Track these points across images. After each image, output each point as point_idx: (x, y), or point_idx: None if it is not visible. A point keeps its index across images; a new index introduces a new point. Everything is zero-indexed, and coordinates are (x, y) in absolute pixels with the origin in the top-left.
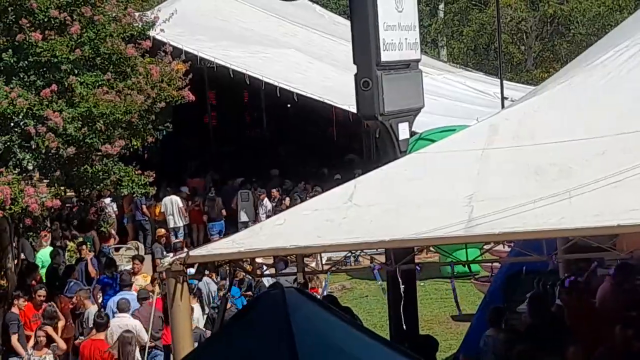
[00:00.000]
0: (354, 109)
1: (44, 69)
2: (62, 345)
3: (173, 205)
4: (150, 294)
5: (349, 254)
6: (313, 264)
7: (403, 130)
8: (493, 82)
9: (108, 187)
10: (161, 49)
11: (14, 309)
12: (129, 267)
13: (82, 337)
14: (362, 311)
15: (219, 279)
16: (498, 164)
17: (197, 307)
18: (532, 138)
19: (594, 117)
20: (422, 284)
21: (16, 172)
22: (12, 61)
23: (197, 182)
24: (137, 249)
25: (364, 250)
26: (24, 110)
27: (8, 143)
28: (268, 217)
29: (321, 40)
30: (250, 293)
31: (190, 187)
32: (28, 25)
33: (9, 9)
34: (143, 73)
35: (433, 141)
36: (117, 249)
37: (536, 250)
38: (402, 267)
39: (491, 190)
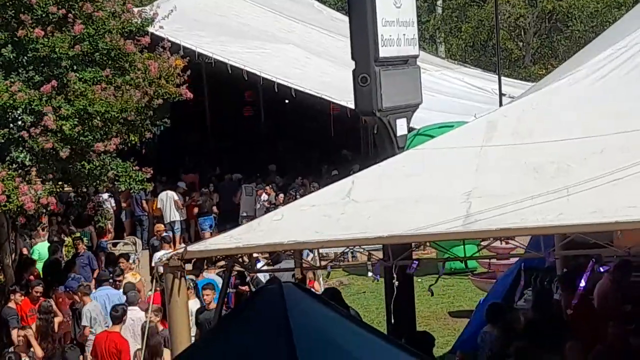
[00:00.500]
0: (352, 105)
1: (43, 65)
2: (39, 352)
3: (169, 200)
4: (138, 293)
5: (347, 250)
6: (309, 258)
7: (401, 126)
8: (491, 78)
9: (106, 183)
10: (159, 45)
11: (11, 304)
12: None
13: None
14: (359, 307)
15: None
16: (496, 161)
17: (196, 302)
18: (531, 135)
19: (592, 116)
20: (419, 280)
21: (14, 167)
22: (11, 56)
23: (191, 177)
24: (135, 244)
25: (362, 246)
26: (24, 104)
27: (7, 137)
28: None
29: (319, 36)
30: (245, 288)
31: (188, 183)
32: (30, 22)
33: (8, 4)
34: (141, 69)
35: (431, 136)
36: (114, 244)
37: (534, 247)
38: (399, 263)
39: (489, 186)
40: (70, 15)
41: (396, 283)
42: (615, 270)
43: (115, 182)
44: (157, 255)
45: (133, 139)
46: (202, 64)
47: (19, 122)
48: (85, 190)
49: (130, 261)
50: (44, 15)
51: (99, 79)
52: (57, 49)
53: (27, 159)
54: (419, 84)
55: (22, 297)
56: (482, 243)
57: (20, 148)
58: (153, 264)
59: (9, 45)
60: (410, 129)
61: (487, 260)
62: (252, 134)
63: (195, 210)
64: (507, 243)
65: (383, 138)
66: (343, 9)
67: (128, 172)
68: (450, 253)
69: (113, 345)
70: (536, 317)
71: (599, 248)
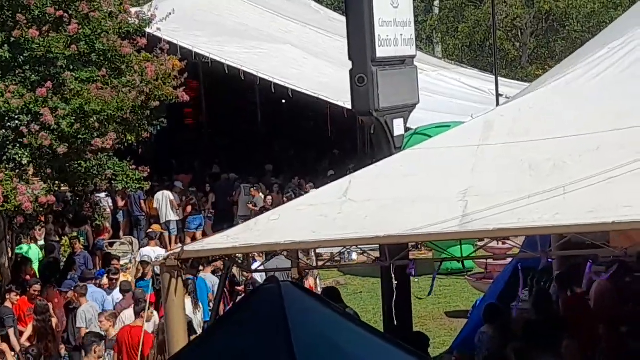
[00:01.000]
0: (348, 105)
1: (40, 64)
2: (17, 347)
3: (165, 199)
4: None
5: (344, 249)
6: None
7: (398, 127)
8: (488, 78)
9: (103, 182)
10: (157, 46)
11: (7, 304)
12: (123, 262)
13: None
14: (356, 307)
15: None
16: (493, 160)
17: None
18: (527, 134)
19: (588, 114)
20: (416, 280)
21: (10, 166)
22: (7, 56)
23: (182, 177)
24: (132, 244)
25: (359, 246)
26: (19, 108)
27: (2, 139)
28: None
29: (317, 36)
30: (241, 288)
31: (185, 182)
32: (25, 22)
33: (5, 3)
34: (138, 71)
35: (428, 136)
36: (111, 244)
37: (531, 247)
38: (396, 263)
39: (486, 185)
40: (66, 15)
41: (396, 283)
42: (611, 270)
43: (113, 182)
44: (143, 252)
45: (130, 138)
46: (199, 64)
47: (17, 122)
48: (82, 189)
49: (125, 261)
50: (40, 16)
51: (95, 78)
52: (53, 49)
53: (25, 158)
54: (416, 84)
55: (18, 297)
56: (478, 243)
57: (18, 146)
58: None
59: (5, 45)
60: (407, 129)
61: (484, 261)
62: (248, 133)
63: (189, 209)
64: (503, 243)
65: (380, 138)
66: (340, 9)
67: (125, 171)
68: (447, 253)
69: (137, 340)
70: (533, 317)
71: (596, 248)
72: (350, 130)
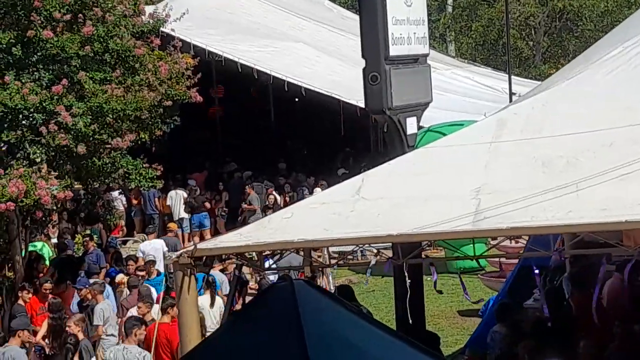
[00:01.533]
0: (361, 104)
1: (53, 63)
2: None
3: (178, 197)
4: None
5: (356, 248)
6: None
7: (411, 125)
8: (501, 77)
9: (116, 180)
10: (170, 44)
11: (20, 301)
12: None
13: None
14: (369, 306)
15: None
16: (506, 157)
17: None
18: (540, 132)
19: (602, 110)
20: (428, 278)
21: (25, 164)
22: (21, 55)
23: (197, 175)
24: (144, 242)
25: (371, 245)
26: (34, 105)
27: (20, 137)
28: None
29: (329, 34)
30: (254, 286)
31: (200, 181)
32: (39, 22)
33: (18, 3)
34: (152, 70)
35: (442, 133)
36: (124, 242)
37: (543, 245)
38: (409, 261)
39: (499, 182)
40: (80, 16)
41: (409, 281)
42: (624, 269)
43: (126, 180)
44: (142, 247)
45: (143, 136)
46: (213, 63)
47: (30, 120)
48: (95, 187)
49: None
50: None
51: (109, 79)
52: (67, 49)
53: (40, 156)
54: (429, 82)
55: (30, 295)
56: (491, 242)
57: (35, 145)
58: (164, 262)
59: (18, 45)
60: (419, 128)
61: (497, 260)
62: (261, 132)
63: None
64: (516, 242)
65: (393, 136)
66: (353, 7)
67: (138, 169)
68: (460, 252)
69: (163, 336)
70: (545, 316)
71: (609, 247)
72: (363, 128)
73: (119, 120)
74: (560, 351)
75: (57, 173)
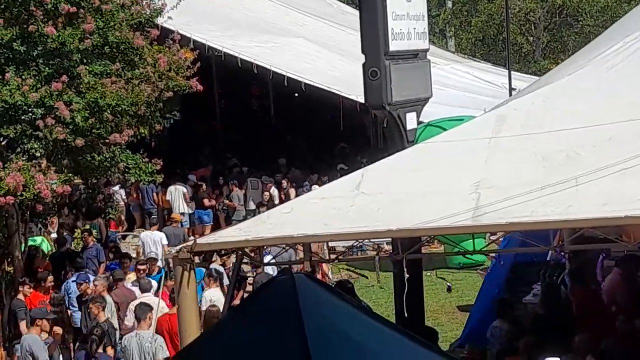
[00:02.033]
0: (361, 99)
1: (54, 57)
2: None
3: (178, 192)
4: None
5: (356, 243)
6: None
7: (411, 120)
8: (501, 72)
9: (116, 175)
10: (169, 37)
11: (20, 296)
12: (134, 255)
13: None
14: (368, 300)
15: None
16: (505, 151)
17: (217, 290)
18: (541, 127)
19: (602, 106)
20: (428, 273)
21: (24, 159)
22: (22, 50)
23: (201, 171)
24: (145, 232)
25: (371, 240)
26: (35, 101)
27: (20, 132)
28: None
29: (330, 29)
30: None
31: (198, 176)
32: (40, 16)
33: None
34: (151, 62)
35: (442, 128)
36: (124, 237)
37: (542, 240)
38: (408, 256)
39: (498, 177)
40: (82, 11)
41: (407, 276)
42: (623, 265)
43: (125, 174)
44: (142, 236)
45: (143, 131)
46: (212, 58)
47: (30, 115)
48: (95, 182)
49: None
50: (54, 9)
51: (108, 72)
52: (67, 43)
53: (39, 150)
54: (429, 77)
55: (31, 290)
56: (491, 237)
57: (33, 139)
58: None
59: (19, 40)
60: (419, 123)
61: (496, 255)
62: (261, 127)
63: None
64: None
65: (393, 132)
66: (353, 2)
67: (138, 164)
68: (460, 247)
69: (176, 326)
70: (544, 312)
71: (609, 242)
72: (363, 124)
73: (117, 115)
74: (558, 347)
75: (56, 167)
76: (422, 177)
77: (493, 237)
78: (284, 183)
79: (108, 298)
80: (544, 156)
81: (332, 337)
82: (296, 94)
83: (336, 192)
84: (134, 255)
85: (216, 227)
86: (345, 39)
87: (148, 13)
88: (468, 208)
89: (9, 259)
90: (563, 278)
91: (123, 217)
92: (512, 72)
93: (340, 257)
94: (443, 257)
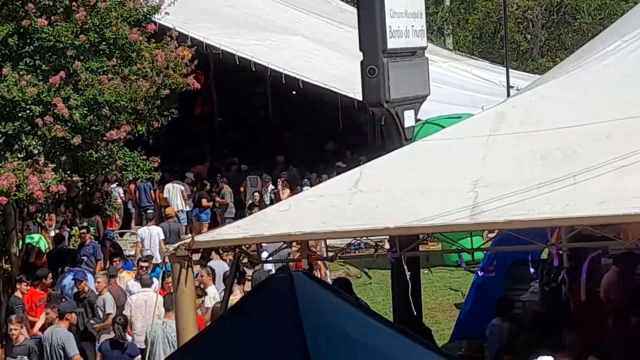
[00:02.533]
0: (359, 97)
1: (50, 54)
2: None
3: (175, 190)
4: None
5: (354, 241)
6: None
7: (409, 118)
8: (499, 70)
9: (113, 172)
10: (167, 34)
11: (17, 293)
12: (132, 252)
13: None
14: (366, 298)
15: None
16: (503, 149)
17: (212, 287)
18: (538, 125)
19: (600, 104)
20: (426, 271)
21: (21, 156)
22: (17, 45)
23: (199, 168)
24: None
25: (369, 237)
26: (32, 97)
27: (17, 129)
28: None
29: (328, 27)
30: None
31: (195, 174)
32: (34, 10)
33: None
34: (148, 59)
35: (440, 126)
36: (121, 234)
37: (539, 238)
38: (406, 254)
39: (496, 175)
40: (75, 4)
41: (409, 274)
42: (620, 263)
43: (123, 171)
44: (139, 232)
45: (140, 129)
46: (210, 55)
47: (27, 112)
48: (93, 179)
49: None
50: (49, 5)
51: (105, 69)
52: (62, 38)
53: (37, 148)
54: (427, 75)
55: (28, 287)
56: (489, 235)
57: (31, 136)
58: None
59: (15, 36)
60: (417, 120)
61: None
62: (259, 125)
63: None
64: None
65: (390, 129)
66: (352, 0)
67: (135, 161)
68: (458, 245)
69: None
70: (543, 310)
71: (607, 240)
72: (360, 121)
73: (115, 112)
74: (555, 345)
75: (54, 165)
76: (420, 174)
77: (491, 235)
78: (279, 183)
79: (107, 295)
80: (541, 154)
81: (331, 335)
82: (294, 92)
83: (334, 190)
84: (132, 252)
85: (214, 225)
86: (344, 36)
87: (145, 10)
88: (466, 206)
89: (7, 257)
90: (563, 276)
91: (117, 216)
92: (510, 70)
93: (338, 255)
94: (440, 255)
